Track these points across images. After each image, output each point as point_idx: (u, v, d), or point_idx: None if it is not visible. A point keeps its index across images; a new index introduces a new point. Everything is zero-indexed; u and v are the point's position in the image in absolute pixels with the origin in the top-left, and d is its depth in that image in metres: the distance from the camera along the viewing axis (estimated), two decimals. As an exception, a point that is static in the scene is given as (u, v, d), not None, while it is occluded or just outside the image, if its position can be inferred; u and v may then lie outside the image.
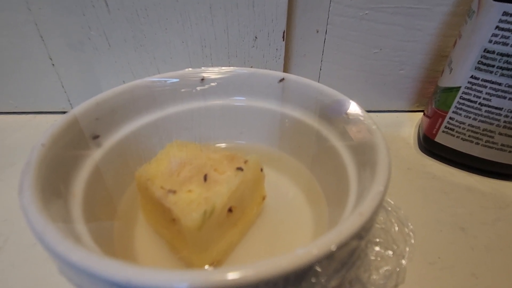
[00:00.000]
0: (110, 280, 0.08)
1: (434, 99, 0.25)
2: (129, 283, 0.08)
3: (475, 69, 0.21)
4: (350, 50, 0.28)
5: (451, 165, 0.25)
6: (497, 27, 0.19)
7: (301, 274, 0.09)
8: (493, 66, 0.20)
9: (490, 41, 0.20)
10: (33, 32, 0.25)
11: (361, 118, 0.15)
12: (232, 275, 0.08)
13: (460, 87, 0.22)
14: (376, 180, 0.11)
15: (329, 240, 0.09)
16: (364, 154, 0.14)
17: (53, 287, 0.16)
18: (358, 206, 0.11)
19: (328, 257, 0.09)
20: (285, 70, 0.29)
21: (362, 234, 0.10)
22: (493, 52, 0.20)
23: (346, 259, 0.10)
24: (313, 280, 0.10)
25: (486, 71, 0.21)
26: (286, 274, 0.08)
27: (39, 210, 0.10)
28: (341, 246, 0.09)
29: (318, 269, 0.09)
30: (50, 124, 0.29)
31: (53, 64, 0.27)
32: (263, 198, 0.18)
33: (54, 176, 0.12)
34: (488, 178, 0.24)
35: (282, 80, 0.17)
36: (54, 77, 0.28)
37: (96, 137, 0.17)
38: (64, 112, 0.30)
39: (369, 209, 0.10)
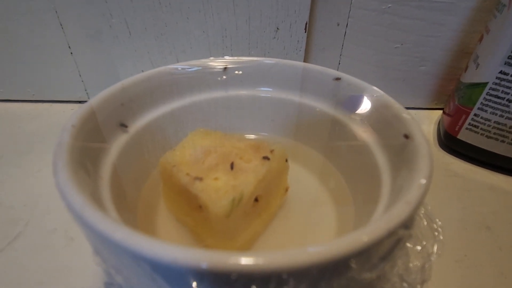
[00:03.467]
0: (154, 259, 0.07)
1: (457, 96, 0.25)
2: (175, 262, 0.07)
3: (505, 64, 0.21)
4: (371, 44, 0.28)
5: (473, 163, 0.25)
6: (530, 20, 0.19)
7: (346, 263, 0.09)
8: (524, 61, 0.20)
9: (523, 35, 0.19)
10: (53, 20, 0.25)
11: (396, 110, 0.15)
12: (290, 259, 0.07)
13: (487, 82, 0.22)
14: (418, 172, 0.11)
15: (380, 227, 0.08)
16: (401, 149, 0.13)
17: (73, 272, 0.16)
18: (401, 197, 0.10)
19: (377, 246, 0.08)
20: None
21: (408, 223, 0.09)
22: (525, 47, 0.19)
23: (390, 250, 0.10)
24: (356, 271, 0.09)
25: (517, 66, 0.20)
26: (337, 260, 0.08)
27: (76, 189, 0.09)
28: (390, 235, 0.08)
29: (364, 259, 0.09)
30: (67, 113, 0.29)
31: (72, 53, 0.27)
32: (286, 190, 0.18)
33: (83, 157, 0.12)
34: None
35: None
36: (72, 66, 0.28)
37: (121, 122, 0.16)
38: (81, 102, 0.31)
39: (416, 198, 0.09)
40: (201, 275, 0.08)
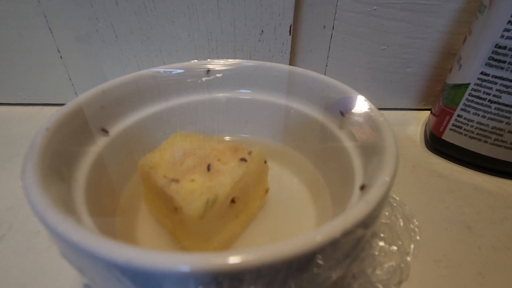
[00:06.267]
0: (110, 261, 0.08)
1: (442, 97, 0.25)
2: (129, 264, 0.07)
3: (486, 65, 0.21)
4: (357, 46, 0.28)
5: (458, 164, 0.25)
6: (509, 22, 0.19)
7: (304, 261, 0.09)
8: (504, 62, 0.20)
9: (502, 36, 0.19)
10: (42, 24, 0.26)
11: (369, 112, 0.15)
12: (234, 259, 0.08)
13: (469, 83, 0.22)
14: (382, 171, 0.11)
15: (334, 227, 0.08)
16: (371, 147, 0.14)
17: (55, 274, 0.17)
18: (363, 196, 0.10)
19: (333, 245, 0.08)
20: (291, 65, 0.29)
21: (367, 223, 0.09)
22: (505, 48, 0.20)
23: (351, 249, 0.10)
24: (316, 270, 0.09)
25: (497, 67, 0.20)
26: (288, 260, 0.08)
27: (40, 191, 0.10)
28: (346, 234, 0.08)
29: (321, 259, 0.09)
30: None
31: (61, 57, 0.27)
32: (266, 191, 0.18)
33: (57, 160, 0.12)
34: (495, 177, 0.23)
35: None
36: (61, 70, 0.28)
37: (101, 125, 0.17)
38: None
39: (375, 198, 0.09)
40: (157, 275, 0.08)
